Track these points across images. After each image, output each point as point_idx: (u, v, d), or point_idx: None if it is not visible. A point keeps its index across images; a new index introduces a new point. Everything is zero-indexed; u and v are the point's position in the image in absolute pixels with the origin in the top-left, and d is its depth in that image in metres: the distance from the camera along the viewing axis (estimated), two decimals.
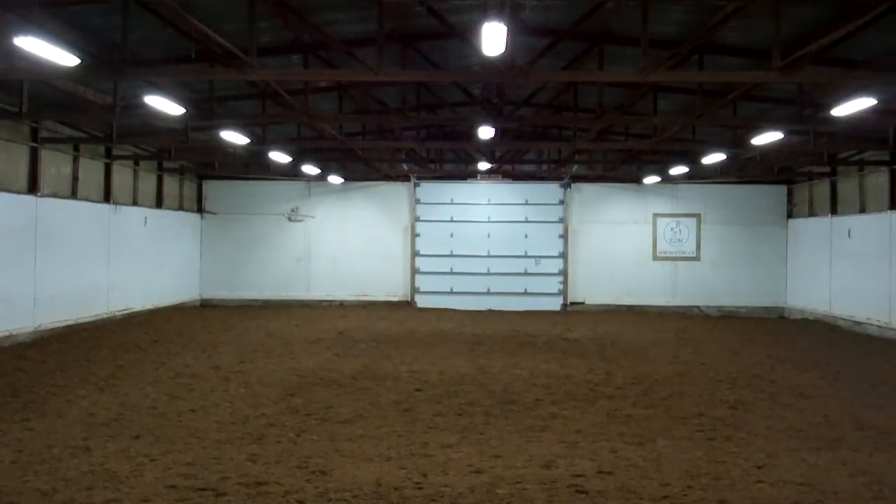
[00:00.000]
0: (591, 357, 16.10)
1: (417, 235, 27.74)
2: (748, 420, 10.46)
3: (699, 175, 24.89)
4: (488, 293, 27.17)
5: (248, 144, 19.05)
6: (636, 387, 12.79)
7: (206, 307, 27.08)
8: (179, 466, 8.05)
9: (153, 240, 24.11)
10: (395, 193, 28.11)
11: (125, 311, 22.22)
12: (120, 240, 22.02)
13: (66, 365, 14.38)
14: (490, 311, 26.13)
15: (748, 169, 24.44)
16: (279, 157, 21.88)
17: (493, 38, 9.65)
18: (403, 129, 23.40)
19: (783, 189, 27.29)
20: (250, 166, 25.25)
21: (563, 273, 27.66)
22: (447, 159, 27.90)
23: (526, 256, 27.57)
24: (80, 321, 19.66)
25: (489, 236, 27.67)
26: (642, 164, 25.57)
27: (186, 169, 26.51)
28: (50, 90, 14.83)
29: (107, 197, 21.86)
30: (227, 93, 17.47)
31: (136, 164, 23.54)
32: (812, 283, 24.83)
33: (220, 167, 25.59)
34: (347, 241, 27.74)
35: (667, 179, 25.98)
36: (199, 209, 28.12)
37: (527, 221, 27.77)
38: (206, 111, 16.04)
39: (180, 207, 26.78)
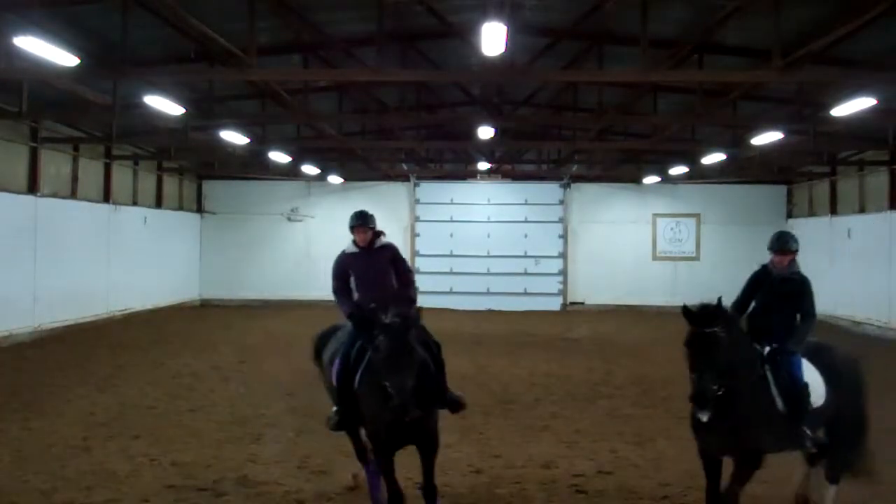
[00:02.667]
0: (591, 357, 16.10)
1: (417, 235, 27.73)
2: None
3: (699, 175, 24.87)
4: (488, 293, 27.16)
5: (248, 144, 19.05)
6: (636, 387, 12.78)
7: (205, 307, 27.07)
8: (179, 466, 8.06)
9: (153, 240, 24.09)
10: (394, 193, 28.10)
11: (125, 311, 22.21)
12: (120, 240, 22.01)
13: (66, 365, 14.38)
14: (490, 311, 26.12)
15: (748, 169, 24.44)
16: (279, 156, 21.87)
17: (493, 38, 9.64)
18: (403, 129, 23.39)
19: (783, 189, 27.28)
20: (250, 166, 25.24)
21: (563, 273, 27.64)
22: (447, 159, 27.89)
23: (526, 256, 27.55)
24: (80, 321, 19.66)
25: (489, 236, 27.65)
26: (642, 164, 25.58)
27: (186, 169, 26.49)
28: (50, 90, 14.82)
29: (106, 197, 21.85)
30: (226, 93, 17.46)
31: (136, 164, 23.53)
32: (812, 283, 24.77)
33: (220, 167, 25.58)
34: (347, 242, 27.65)
35: (666, 179, 25.96)
36: (199, 209, 28.11)
37: (526, 221, 27.75)
38: (205, 111, 16.04)
39: (180, 207, 26.77)
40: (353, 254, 7.33)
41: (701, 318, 6.18)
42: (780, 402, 6.36)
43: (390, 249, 7.31)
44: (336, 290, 7.28)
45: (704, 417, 5.95)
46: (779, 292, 6.91)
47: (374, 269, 7.19)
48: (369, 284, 7.15)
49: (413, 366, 6.02)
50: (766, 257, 7.10)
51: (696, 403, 5.99)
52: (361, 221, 7.26)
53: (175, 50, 13.47)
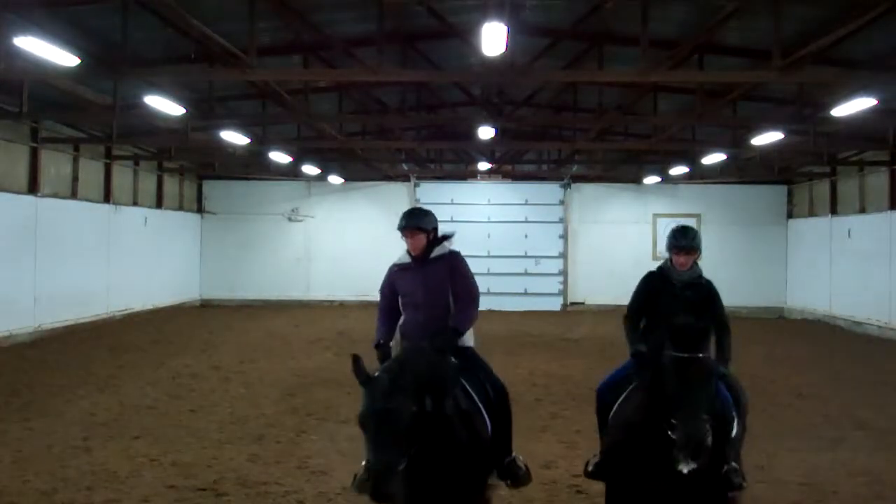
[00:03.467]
0: (592, 357, 16.09)
1: None
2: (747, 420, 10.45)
3: (699, 175, 24.88)
4: (488, 293, 26.89)
5: (248, 144, 19.04)
6: None
7: (206, 307, 27.08)
8: (179, 466, 8.05)
9: (153, 240, 24.10)
10: (395, 193, 28.08)
11: (125, 311, 22.21)
12: (120, 240, 22.02)
13: (66, 365, 14.38)
14: (490, 311, 26.09)
15: (748, 169, 24.44)
16: (279, 157, 21.88)
17: (493, 38, 9.65)
18: (403, 129, 23.40)
19: (783, 189, 27.29)
20: (250, 166, 25.25)
21: (563, 273, 27.65)
22: (447, 159, 27.88)
23: (526, 256, 27.56)
24: (80, 321, 19.66)
25: (489, 236, 27.64)
26: (642, 164, 25.57)
27: (186, 169, 26.50)
28: (50, 90, 14.83)
29: (107, 197, 21.85)
30: (227, 93, 17.46)
31: (136, 164, 23.53)
32: (812, 283, 24.82)
33: (220, 167, 25.58)
34: (347, 241, 27.70)
35: (667, 179, 25.96)
36: (199, 209, 28.11)
37: (527, 221, 27.76)
38: (206, 111, 16.04)
39: (180, 207, 26.77)
40: (403, 266, 5.79)
41: (694, 338, 4.87)
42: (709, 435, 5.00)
43: (448, 260, 5.74)
44: (379, 310, 5.85)
45: (685, 469, 4.70)
46: (683, 301, 5.68)
47: (422, 288, 5.64)
48: (415, 306, 5.67)
49: (403, 433, 4.44)
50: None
51: (691, 455, 4.67)
52: (407, 222, 5.71)
53: (175, 50, 13.46)
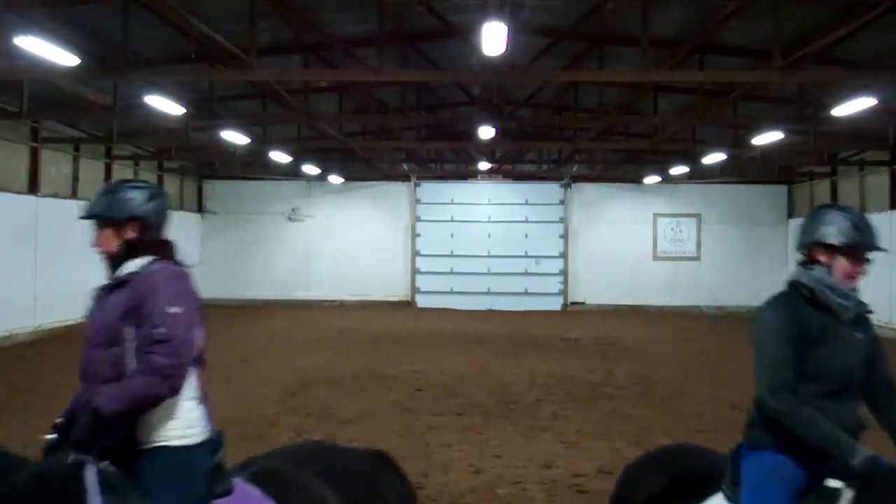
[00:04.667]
0: (591, 357, 16.10)
1: (417, 235, 27.73)
2: None
3: (699, 175, 24.87)
4: (488, 293, 27.15)
5: (248, 144, 19.05)
6: (636, 387, 12.78)
7: (206, 307, 26.95)
8: None
9: None
10: (395, 193, 28.11)
11: None
12: None
13: (66, 365, 14.35)
14: (490, 311, 26.12)
15: (748, 169, 24.44)
16: (279, 157, 21.88)
17: (494, 38, 9.65)
18: (403, 129, 23.40)
19: (783, 189, 27.30)
20: (250, 166, 25.25)
21: (564, 273, 27.65)
22: (447, 159, 27.89)
23: (526, 256, 27.55)
24: (80, 321, 19.59)
25: (489, 236, 27.65)
26: (642, 164, 25.58)
27: (186, 169, 26.50)
28: (50, 90, 14.83)
29: None
30: (227, 93, 17.47)
31: (137, 164, 23.53)
32: None
33: (221, 167, 25.59)
34: (347, 241, 27.70)
35: (667, 179, 25.96)
36: (200, 209, 28.11)
37: (527, 221, 27.76)
38: (206, 111, 16.05)
39: (181, 207, 26.74)
40: (98, 291, 3.46)
41: None
42: None
43: (136, 286, 3.30)
44: None
45: None
46: (861, 348, 3.52)
47: (91, 330, 3.40)
48: (84, 363, 3.52)
49: None
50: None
51: None
52: (88, 207, 3.39)
53: (175, 50, 13.47)
